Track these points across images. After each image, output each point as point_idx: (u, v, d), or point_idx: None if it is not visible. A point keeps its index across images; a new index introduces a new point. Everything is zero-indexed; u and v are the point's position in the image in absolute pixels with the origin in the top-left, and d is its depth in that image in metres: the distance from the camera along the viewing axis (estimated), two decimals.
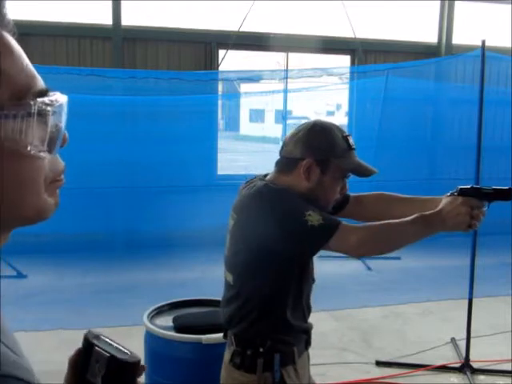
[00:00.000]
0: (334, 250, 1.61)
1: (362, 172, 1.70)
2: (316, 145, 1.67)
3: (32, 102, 0.55)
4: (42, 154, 0.57)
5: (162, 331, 2.53)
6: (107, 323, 4.27)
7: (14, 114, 0.54)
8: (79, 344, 0.78)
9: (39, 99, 0.56)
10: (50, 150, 0.59)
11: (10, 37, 0.57)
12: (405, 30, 7.97)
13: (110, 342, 0.74)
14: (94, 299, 5.00)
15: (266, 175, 1.81)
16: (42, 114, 0.56)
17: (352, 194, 1.94)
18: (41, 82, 0.59)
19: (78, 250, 6.22)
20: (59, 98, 0.59)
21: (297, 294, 1.72)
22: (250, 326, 1.70)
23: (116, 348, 0.73)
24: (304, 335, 1.80)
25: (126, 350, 0.72)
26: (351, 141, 1.71)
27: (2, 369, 0.51)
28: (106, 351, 0.72)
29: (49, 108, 0.57)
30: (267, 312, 1.69)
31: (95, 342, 0.74)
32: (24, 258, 5.48)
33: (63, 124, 0.61)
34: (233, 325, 1.75)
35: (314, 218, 1.55)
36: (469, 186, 1.67)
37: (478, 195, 1.65)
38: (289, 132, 1.78)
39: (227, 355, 1.77)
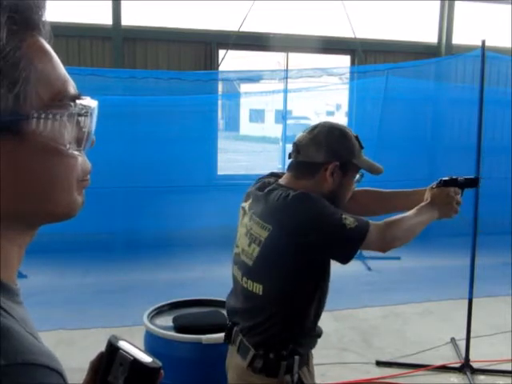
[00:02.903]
0: (368, 249, 1.70)
1: (375, 170, 1.80)
2: (339, 149, 1.74)
3: (72, 104, 0.60)
4: (76, 153, 0.61)
5: (162, 331, 2.53)
6: (107, 323, 4.27)
7: (55, 114, 0.57)
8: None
9: (78, 104, 0.60)
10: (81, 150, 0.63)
11: (47, 44, 0.61)
12: (405, 30, 7.97)
13: (132, 347, 0.76)
14: (94, 299, 5.00)
15: (276, 176, 1.85)
16: (78, 116, 0.60)
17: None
18: (74, 87, 0.62)
19: (78, 249, 6.22)
20: (91, 102, 0.63)
21: (320, 303, 1.76)
22: (272, 337, 1.71)
23: (138, 353, 0.75)
24: (318, 338, 1.84)
25: (148, 356, 0.74)
26: (360, 140, 1.80)
27: (33, 358, 0.52)
28: (129, 355, 0.74)
29: (84, 110, 0.61)
30: (292, 324, 1.72)
31: (119, 345, 0.75)
32: (24, 258, 5.48)
33: (93, 126, 0.64)
34: (252, 335, 1.73)
35: (349, 220, 1.62)
36: (448, 178, 1.89)
37: (456, 184, 1.89)
38: (300, 137, 1.78)
39: (240, 360, 1.74)
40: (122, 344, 0.75)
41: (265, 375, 1.70)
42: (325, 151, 1.72)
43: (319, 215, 1.64)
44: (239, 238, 1.82)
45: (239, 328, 1.78)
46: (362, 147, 1.79)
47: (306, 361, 1.77)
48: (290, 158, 1.80)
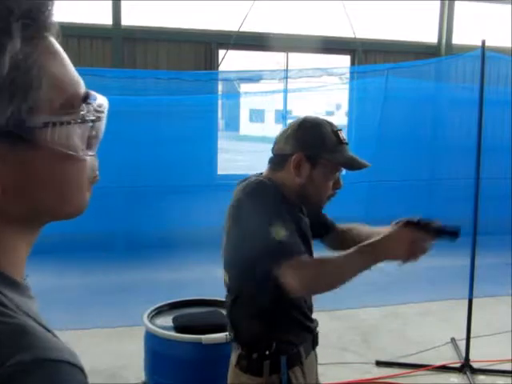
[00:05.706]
0: (281, 278, 1.50)
1: (354, 166, 1.66)
2: (305, 140, 1.65)
3: (84, 110, 0.58)
4: (87, 157, 0.61)
5: (161, 331, 2.53)
6: (107, 323, 4.26)
7: (67, 121, 0.56)
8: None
9: (91, 106, 0.59)
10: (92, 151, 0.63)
11: (56, 42, 0.58)
12: (405, 30, 7.98)
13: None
14: (94, 299, 4.99)
15: (261, 173, 1.79)
16: (91, 122, 0.60)
17: (341, 228, 1.94)
18: (83, 86, 0.60)
19: (78, 249, 6.21)
20: (104, 102, 0.62)
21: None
22: (250, 328, 1.67)
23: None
24: (309, 334, 1.76)
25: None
26: (342, 135, 1.69)
27: (56, 355, 0.51)
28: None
29: (97, 115, 0.60)
30: (263, 312, 1.64)
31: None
32: None
33: (104, 125, 0.64)
34: (235, 328, 1.72)
35: (281, 231, 1.49)
36: (416, 220, 1.60)
37: (425, 229, 1.58)
38: (280, 131, 1.77)
39: (233, 358, 1.74)
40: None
41: (251, 374, 1.67)
42: (291, 143, 1.66)
43: (252, 208, 1.55)
44: None
45: (228, 321, 1.78)
46: (342, 142, 1.66)
47: (297, 359, 1.68)
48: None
